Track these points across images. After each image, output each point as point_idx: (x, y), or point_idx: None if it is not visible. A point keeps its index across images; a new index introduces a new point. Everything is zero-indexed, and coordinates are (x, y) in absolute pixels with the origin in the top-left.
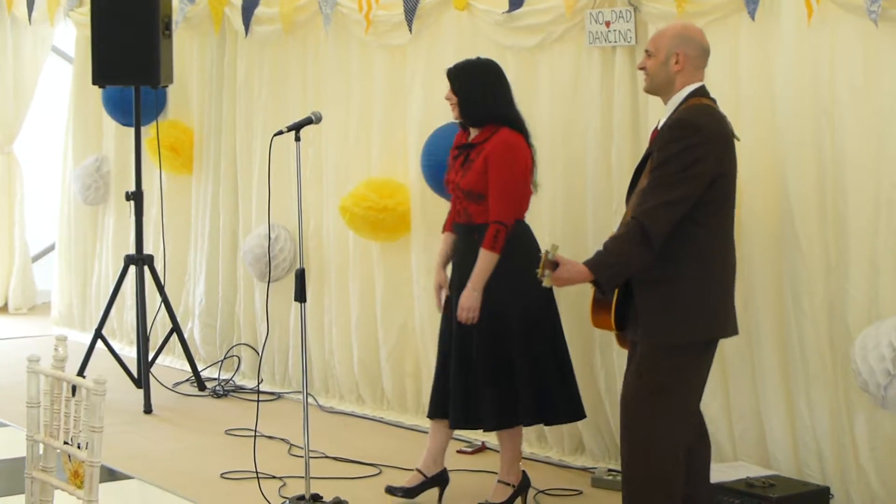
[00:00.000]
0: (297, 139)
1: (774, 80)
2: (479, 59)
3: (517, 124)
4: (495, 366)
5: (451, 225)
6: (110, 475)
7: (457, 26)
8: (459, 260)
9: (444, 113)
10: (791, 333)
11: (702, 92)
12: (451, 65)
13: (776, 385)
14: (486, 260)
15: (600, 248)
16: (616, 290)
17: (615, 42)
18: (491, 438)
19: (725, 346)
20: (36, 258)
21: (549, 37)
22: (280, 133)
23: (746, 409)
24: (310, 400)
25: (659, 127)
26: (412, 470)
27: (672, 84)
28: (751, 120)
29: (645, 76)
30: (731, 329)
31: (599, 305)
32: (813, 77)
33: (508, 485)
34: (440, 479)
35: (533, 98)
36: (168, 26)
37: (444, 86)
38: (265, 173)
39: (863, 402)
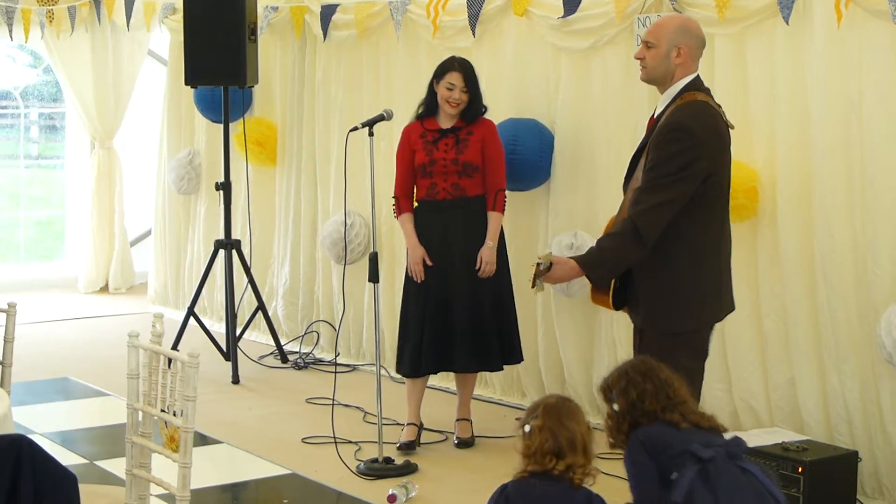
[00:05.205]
0: (371, 134)
1: (807, 79)
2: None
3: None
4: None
5: (412, 206)
6: (202, 440)
7: (516, 30)
8: (457, 230)
9: (504, 108)
10: (823, 310)
11: (696, 84)
12: (463, 58)
13: (809, 357)
14: (499, 221)
15: (594, 245)
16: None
17: None
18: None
19: (763, 322)
20: (134, 243)
21: (601, 40)
22: (355, 129)
23: (782, 379)
24: (382, 371)
25: (655, 115)
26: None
27: (671, 76)
28: (786, 115)
29: (642, 67)
30: (723, 314)
31: (598, 287)
32: (842, 76)
33: (469, 420)
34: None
35: (586, 96)
36: (253, 32)
37: (506, 83)
38: (342, 165)
39: (888, 373)
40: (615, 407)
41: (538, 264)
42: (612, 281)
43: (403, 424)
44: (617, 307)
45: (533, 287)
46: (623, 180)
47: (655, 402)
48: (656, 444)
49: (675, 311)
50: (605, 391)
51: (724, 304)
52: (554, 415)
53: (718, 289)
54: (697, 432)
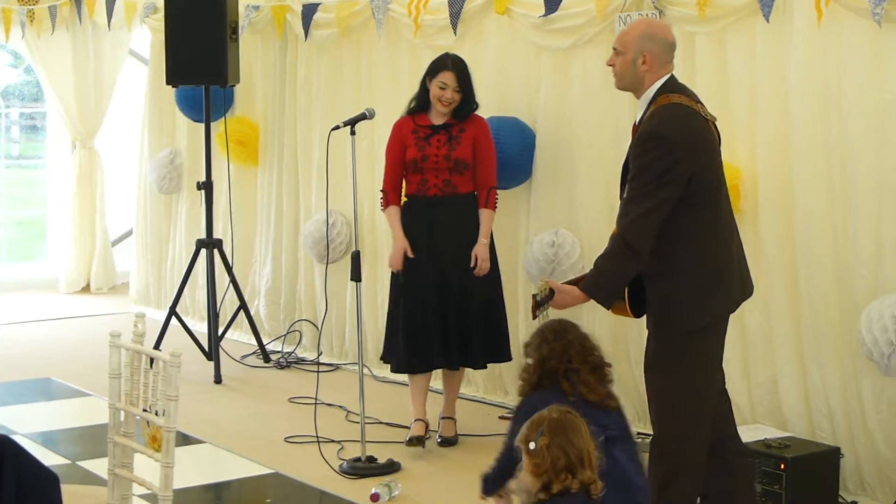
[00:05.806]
0: (353, 133)
1: (787, 77)
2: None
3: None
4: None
5: (399, 199)
6: (184, 440)
7: (497, 29)
8: (447, 227)
9: (486, 107)
10: (804, 307)
11: (669, 87)
12: (457, 57)
13: (791, 354)
14: (491, 218)
15: (592, 268)
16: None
17: None
18: None
19: (745, 319)
20: (115, 242)
21: (581, 38)
22: (337, 128)
23: (764, 376)
24: (365, 371)
25: (637, 122)
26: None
27: (641, 82)
28: (766, 113)
29: (614, 74)
30: (734, 305)
31: (608, 305)
32: (822, 73)
33: (454, 419)
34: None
35: (566, 95)
36: (235, 31)
37: (487, 81)
38: (323, 164)
39: (869, 370)
40: (529, 361)
41: (535, 296)
42: (626, 290)
43: (409, 425)
44: (638, 315)
45: (535, 318)
46: (619, 189)
47: (559, 363)
48: None
49: (677, 313)
50: (525, 347)
51: (732, 297)
52: (560, 431)
53: (724, 283)
54: (582, 407)
